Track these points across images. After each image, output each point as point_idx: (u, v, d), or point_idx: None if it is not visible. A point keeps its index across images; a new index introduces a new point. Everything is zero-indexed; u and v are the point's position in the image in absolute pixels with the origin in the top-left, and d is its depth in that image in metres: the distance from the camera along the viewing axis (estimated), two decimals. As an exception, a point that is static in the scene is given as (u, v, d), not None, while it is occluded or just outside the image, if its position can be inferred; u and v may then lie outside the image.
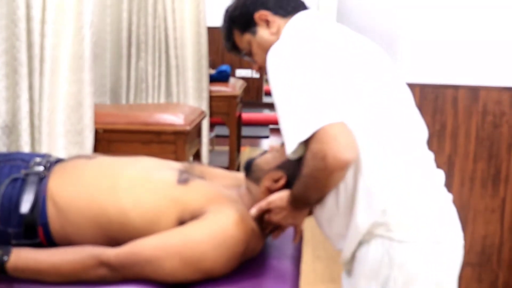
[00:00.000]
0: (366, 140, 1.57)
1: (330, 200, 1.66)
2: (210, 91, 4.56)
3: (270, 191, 1.83)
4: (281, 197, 1.74)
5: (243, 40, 1.86)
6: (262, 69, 1.87)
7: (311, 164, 1.50)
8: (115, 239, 1.79)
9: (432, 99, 2.86)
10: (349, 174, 1.59)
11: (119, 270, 1.69)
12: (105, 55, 4.11)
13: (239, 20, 1.85)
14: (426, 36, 2.86)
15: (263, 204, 1.77)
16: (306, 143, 1.51)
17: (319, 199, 1.65)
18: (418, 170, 1.65)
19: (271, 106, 9.96)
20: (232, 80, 5.06)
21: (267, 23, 1.81)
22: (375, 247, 1.64)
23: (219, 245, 1.70)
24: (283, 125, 1.55)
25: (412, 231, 1.60)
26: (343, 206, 1.65)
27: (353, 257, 1.73)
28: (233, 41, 1.90)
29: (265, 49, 1.75)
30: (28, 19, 2.87)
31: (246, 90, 6.50)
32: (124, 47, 4.28)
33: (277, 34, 1.78)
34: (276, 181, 1.83)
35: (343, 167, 1.47)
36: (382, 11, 3.31)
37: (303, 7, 1.82)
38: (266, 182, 1.85)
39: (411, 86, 1.83)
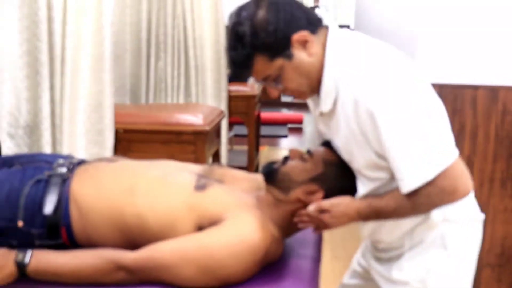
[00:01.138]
0: None
1: None
2: (229, 91, 4.57)
3: (302, 203, 1.81)
4: (347, 203, 1.73)
5: (271, 66, 1.65)
6: (291, 93, 1.74)
7: (436, 197, 1.59)
8: (134, 241, 1.80)
9: (451, 99, 2.86)
10: None
11: (137, 274, 1.71)
12: (125, 55, 4.13)
13: (272, 45, 1.62)
14: (445, 36, 2.85)
15: (326, 204, 1.74)
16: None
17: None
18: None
19: (289, 105, 9.97)
20: (250, 79, 5.07)
21: (304, 44, 1.64)
22: (431, 232, 1.76)
23: (237, 253, 1.69)
24: (401, 164, 1.57)
25: (458, 212, 1.74)
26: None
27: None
28: (251, 68, 1.67)
29: (303, 72, 1.66)
30: (49, 20, 2.90)
31: (265, 90, 6.49)
32: (143, 47, 4.30)
33: (316, 54, 1.65)
34: (310, 193, 1.81)
35: (466, 196, 1.61)
36: (400, 11, 3.30)
37: (322, 19, 1.72)
38: (300, 194, 1.82)
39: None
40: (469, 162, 2.90)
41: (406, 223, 1.75)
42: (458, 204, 1.68)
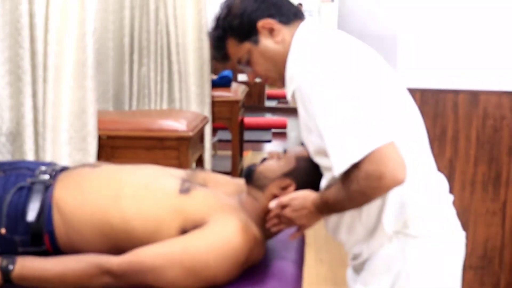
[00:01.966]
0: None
1: (352, 211, 1.69)
2: (213, 97, 4.58)
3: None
4: (305, 196, 1.74)
5: (240, 49, 1.76)
6: (263, 79, 1.82)
7: (363, 183, 1.51)
8: (118, 247, 1.81)
9: (432, 104, 2.88)
10: None
11: (122, 278, 1.71)
12: (108, 61, 4.13)
13: (239, 29, 1.73)
14: (426, 41, 2.88)
15: (285, 198, 1.77)
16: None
17: (353, 209, 1.67)
18: (431, 173, 1.75)
19: (273, 110, 9.98)
20: (234, 85, 5.08)
21: (271, 31, 1.72)
22: (390, 243, 1.70)
23: (221, 254, 1.71)
24: (331, 145, 1.54)
25: (426, 227, 1.68)
26: (367, 215, 1.69)
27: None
28: (225, 50, 1.79)
29: (269, 58, 1.74)
30: (32, 27, 2.90)
31: (248, 95, 6.51)
32: (126, 53, 4.30)
33: (283, 42, 1.72)
34: (284, 188, 1.85)
35: (397, 185, 1.51)
36: (382, 15, 3.33)
37: (301, 14, 1.80)
38: (274, 190, 1.86)
39: (412, 91, 1.85)
40: (451, 165, 2.92)
41: (360, 225, 1.71)
42: (424, 219, 1.66)
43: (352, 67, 1.58)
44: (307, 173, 1.83)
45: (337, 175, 1.56)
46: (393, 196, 1.63)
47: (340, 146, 1.52)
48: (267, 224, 1.87)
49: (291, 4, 1.78)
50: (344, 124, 1.51)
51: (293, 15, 1.75)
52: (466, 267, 3.00)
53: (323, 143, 1.58)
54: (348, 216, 1.72)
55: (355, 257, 1.83)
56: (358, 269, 1.84)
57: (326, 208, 1.69)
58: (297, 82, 1.62)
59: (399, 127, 1.61)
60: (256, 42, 1.73)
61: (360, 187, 1.53)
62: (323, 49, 1.63)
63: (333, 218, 1.77)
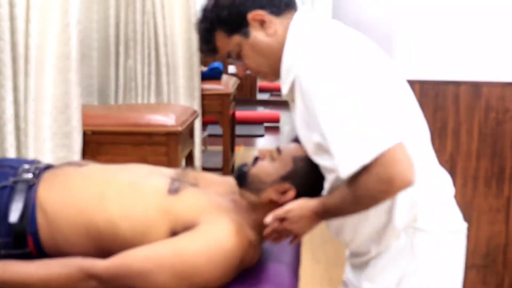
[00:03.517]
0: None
1: None
2: (202, 90, 4.57)
3: (276, 204, 1.81)
4: (301, 206, 1.73)
5: (230, 42, 1.74)
6: (254, 72, 1.81)
7: (373, 186, 1.52)
8: (105, 249, 1.80)
9: (432, 96, 2.88)
10: None
11: (109, 283, 1.70)
12: (92, 54, 4.12)
13: (228, 21, 1.71)
14: (426, 31, 2.88)
15: (280, 212, 1.75)
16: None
17: (360, 212, 1.67)
18: (435, 167, 1.77)
19: (265, 103, 9.99)
20: (224, 77, 5.07)
21: (262, 23, 1.70)
22: (398, 238, 1.73)
23: (213, 258, 1.70)
24: (336, 146, 1.53)
25: (434, 221, 1.71)
26: (375, 215, 1.70)
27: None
28: (213, 43, 1.77)
29: (260, 51, 1.72)
30: (12, 17, 2.88)
31: (240, 87, 6.52)
32: (111, 45, 4.29)
33: (275, 35, 1.70)
34: (283, 193, 1.82)
35: (407, 188, 1.52)
36: (379, 4, 3.32)
37: (294, 3, 1.78)
38: (272, 195, 1.82)
39: (411, 83, 1.84)
40: (452, 160, 2.93)
41: (367, 225, 1.73)
42: (431, 212, 1.69)
43: (354, 61, 1.57)
44: (306, 174, 1.81)
45: (343, 177, 1.56)
46: (404, 194, 1.63)
47: (348, 147, 1.51)
48: (266, 239, 1.86)
49: None
50: (351, 123, 1.51)
51: (285, 5, 1.74)
52: (469, 266, 3.01)
53: (325, 142, 1.57)
54: (354, 217, 1.72)
55: (358, 255, 1.84)
56: (360, 266, 1.85)
57: (329, 214, 1.70)
58: (297, 74, 1.61)
59: (402, 123, 1.61)
60: (246, 34, 1.72)
61: (369, 190, 1.54)
62: (323, 41, 1.62)
63: (336, 221, 1.78)
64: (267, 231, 1.81)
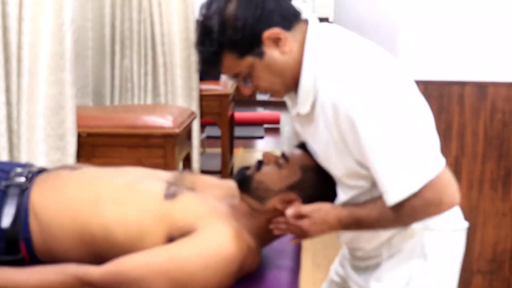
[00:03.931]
0: None
1: None
2: (200, 90, 4.56)
3: (279, 213, 1.81)
4: (327, 210, 1.72)
5: (241, 64, 1.64)
6: (264, 91, 1.76)
7: (420, 209, 1.58)
8: (99, 255, 1.79)
9: (437, 97, 2.87)
10: None
11: None
12: (87, 53, 4.10)
13: (241, 43, 1.60)
14: (430, 30, 2.87)
15: (306, 209, 1.74)
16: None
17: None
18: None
19: (265, 104, 9.98)
20: (223, 77, 5.06)
21: (277, 41, 1.62)
22: (407, 240, 1.77)
23: (211, 265, 1.69)
24: (385, 175, 1.56)
25: (442, 221, 1.74)
26: None
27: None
28: (219, 66, 1.67)
29: (275, 70, 1.65)
30: (4, 16, 2.87)
31: (239, 88, 6.50)
32: (107, 44, 4.28)
33: (290, 52, 1.63)
34: (288, 202, 1.80)
35: (452, 208, 1.61)
36: (382, 4, 3.31)
37: (298, 12, 1.70)
38: (277, 204, 1.81)
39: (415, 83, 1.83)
40: (457, 163, 2.92)
41: (386, 232, 1.75)
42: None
43: (392, 86, 1.56)
44: (314, 186, 1.80)
45: (390, 205, 1.59)
46: None
47: (397, 175, 1.55)
48: (270, 225, 1.83)
49: (290, 5, 1.68)
50: (399, 152, 1.54)
51: (294, 17, 1.66)
52: (474, 272, 3.00)
53: (366, 168, 1.61)
54: None
55: (366, 258, 1.85)
56: (366, 269, 1.87)
57: (355, 225, 1.70)
58: (334, 101, 1.56)
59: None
60: (260, 55, 1.63)
61: (415, 213, 1.59)
62: (351, 63, 1.58)
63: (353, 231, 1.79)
64: (277, 220, 1.81)
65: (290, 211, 1.76)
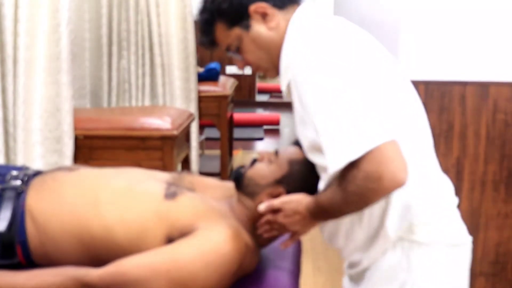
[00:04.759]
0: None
1: (352, 214, 1.67)
2: (199, 91, 4.57)
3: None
4: (299, 200, 1.72)
5: (230, 35, 1.73)
6: (254, 67, 1.81)
7: (361, 183, 1.49)
8: (99, 257, 1.79)
9: (438, 97, 2.88)
10: None
11: None
12: (84, 54, 4.11)
13: (229, 13, 1.71)
14: (430, 29, 2.87)
15: (276, 202, 1.75)
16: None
17: (350, 214, 1.64)
18: (436, 174, 1.74)
19: (264, 105, 9.99)
20: (222, 78, 5.07)
21: (264, 16, 1.70)
22: (393, 251, 1.69)
23: (211, 264, 1.71)
24: (326, 140, 1.52)
25: (433, 233, 1.67)
26: (368, 219, 1.67)
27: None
28: (213, 35, 1.77)
29: (261, 45, 1.72)
30: None
31: (238, 89, 6.50)
32: (104, 45, 4.28)
33: (277, 29, 1.70)
34: (275, 197, 1.82)
35: (397, 188, 1.49)
36: (383, 3, 3.32)
37: None
38: (265, 199, 1.84)
39: (415, 84, 1.83)
40: (459, 164, 2.92)
41: (360, 231, 1.70)
42: (429, 223, 1.66)
43: (352, 57, 1.56)
44: (301, 178, 1.81)
45: (332, 174, 1.54)
46: (397, 198, 1.62)
47: (337, 142, 1.49)
48: (258, 231, 1.86)
49: None
50: (342, 118, 1.49)
51: (289, 0, 1.73)
52: (477, 274, 3.01)
53: (318, 138, 1.56)
54: (347, 221, 1.70)
55: (352, 265, 1.82)
56: (356, 279, 1.83)
57: (321, 213, 1.68)
58: (292, 71, 1.61)
59: (401, 124, 1.60)
60: (247, 27, 1.71)
61: (358, 188, 1.51)
62: (321, 36, 1.60)
63: (330, 224, 1.76)
64: (260, 221, 1.82)
65: (262, 206, 1.78)
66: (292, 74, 1.62)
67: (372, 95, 1.52)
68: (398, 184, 1.47)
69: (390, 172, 1.45)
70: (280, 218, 1.76)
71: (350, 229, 1.72)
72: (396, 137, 1.49)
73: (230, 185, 2.07)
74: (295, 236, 1.85)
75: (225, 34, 1.74)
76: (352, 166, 1.49)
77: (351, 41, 1.61)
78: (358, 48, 1.60)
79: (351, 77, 1.52)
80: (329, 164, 1.52)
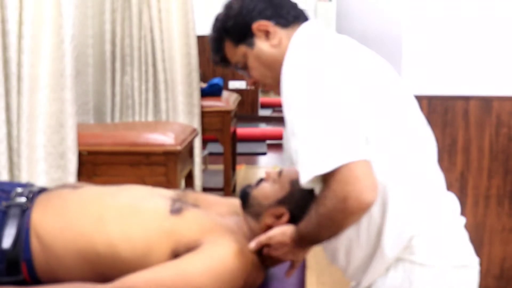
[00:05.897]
0: (392, 167, 1.58)
1: (350, 233, 1.66)
2: (202, 107, 4.57)
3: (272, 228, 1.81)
4: (283, 232, 1.74)
5: (237, 52, 1.79)
6: (258, 84, 1.84)
7: (329, 204, 1.49)
8: (104, 274, 1.80)
9: (441, 112, 2.88)
10: (375, 205, 1.57)
11: None
12: (88, 70, 4.12)
13: (234, 31, 1.77)
14: (433, 44, 2.88)
15: (262, 238, 1.78)
16: (324, 177, 1.50)
17: (329, 239, 1.63)
18: (439, 192, 1.72)
19: (267, 119, 9.99)
20: (225, 93, 5.08)
21: (267, 34, 1.74)
22: (394, 272, 1.67)
23: (217, 279, 1.71)
24: (301, 151, 1.53)
25: (435, 255, 1.64)
26: (366, 237, 1.66)
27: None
28: (223, 53, 1.84)
29: (265, 62, 1.76)
30: (4, 33, 2.89)
31: (241, 104, 6.51)
32: (107, 61, 4.29)
33: (279, 46, 1.73)
34: (278, 217, 1.83)
35: (364, 210, 1.48)
36: (384, 15, 3.33)
37: (304, 16, 1.79)
38: (267, 220, 1.85)
39: (418, 99, 1.83)
40: (462, 178, 2.92)
41: (358, 249, 1.69)
42: (432, 244, 1.63)
43: (337, 76, 1.56)
44: (301, 198, 1.80)
45: (303, 186, 1.55)
46: (394, 216, 1.61)
47: (308, 156, 1.50)
48: (286, 274, 1.89)
49: (294, 7, 1.79)
50: (317, 135, 1.50)
51: (293, 18, 1.76)
52: (481, 289, 3.00)
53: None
54: (345, 239, 1.69)
55: (355, 285, 1.81)
56: None
57: (303, 240, 1.69)
58: (281, 86, 1.64)
59: (402, 141, 1.60)
60: (251, 45, 1.76)
61: (327, 210, 1.51)
62: (309, 55, 1.63)
63: (331, 243, 1.75)
64: (264, 252, 1.83)
65: (252, 244, 1.81)
66: (282, 89, 1.64)
67: (350, 114, 1.52)
68: (363, 205, 1.47)
69: (356, 191, 1.45)
70: (271, 251, 1.79)
71: (349, 247, 1.71)
72: (366, 156, 1.49)
73: (234, 201, 2.08)
74: (295, 264, 1.87)
75: (233, 52, 1.80)
76: (324, 186, 1.50)
77: (341, 60, 1.62)
78: (345, 67, 1.61)
79: (333, 95, 1.53)
80: (300, 177, 1.54)
